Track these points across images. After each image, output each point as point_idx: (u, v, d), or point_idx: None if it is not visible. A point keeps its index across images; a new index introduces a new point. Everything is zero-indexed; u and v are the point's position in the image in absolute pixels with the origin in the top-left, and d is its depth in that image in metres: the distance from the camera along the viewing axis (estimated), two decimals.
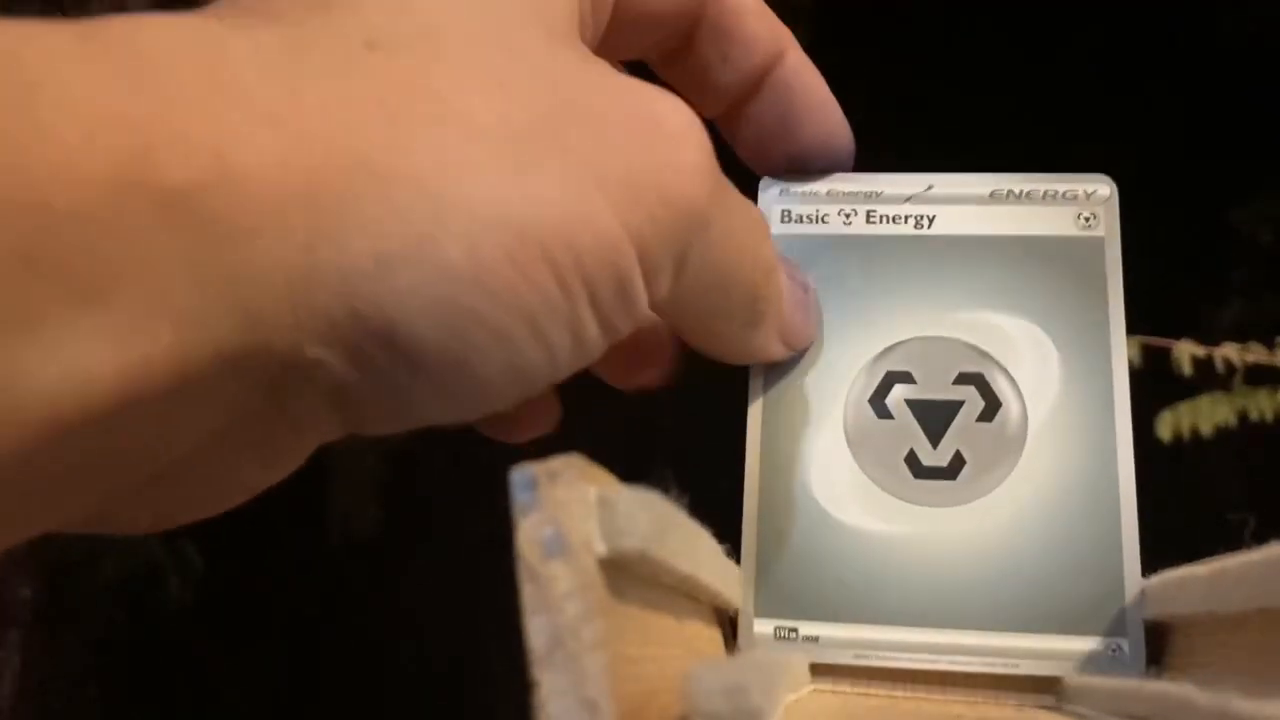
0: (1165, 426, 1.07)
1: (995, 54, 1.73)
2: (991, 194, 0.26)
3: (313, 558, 2.61)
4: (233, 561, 2.48)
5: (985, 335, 0.24)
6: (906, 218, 0.26)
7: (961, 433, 0.24)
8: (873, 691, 0.26)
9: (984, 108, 1.67)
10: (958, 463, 0.25)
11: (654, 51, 0.24)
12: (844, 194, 0.27)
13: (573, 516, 0.14)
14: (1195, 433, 1.07)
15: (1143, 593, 0.25)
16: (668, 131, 0.17)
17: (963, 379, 0.24)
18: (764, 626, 0.25)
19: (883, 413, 0.25)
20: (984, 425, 0.24)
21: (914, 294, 0.25)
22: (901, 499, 0.24)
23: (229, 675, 2.56)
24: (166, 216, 0.13)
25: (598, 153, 0.16)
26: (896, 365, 0.25)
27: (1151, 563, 0.26)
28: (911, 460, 0.25)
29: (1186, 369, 1.03)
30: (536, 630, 0.14)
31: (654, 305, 0.19)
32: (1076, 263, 0.24)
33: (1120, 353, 0.25)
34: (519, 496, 0.14)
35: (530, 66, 0.17)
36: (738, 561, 0.27)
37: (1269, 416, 1.07)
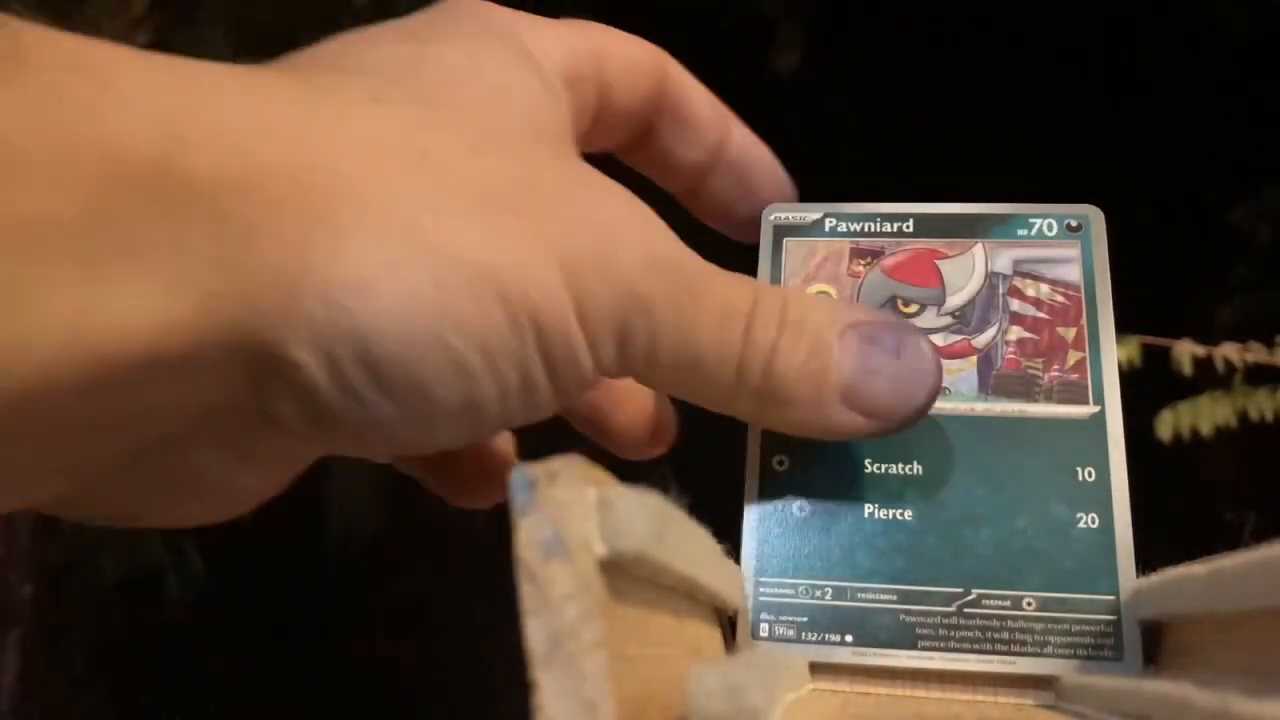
0: (1165, 426, 1.07)
1: (998, 52, 1.73)
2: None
3: (313, 558, 2.61)
4: (233, 561, 2.48)
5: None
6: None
7: None
8: (872, 690, 0.26)
9: (986, 107, 1.67)
10: None
11: (624, 143, 0.27)
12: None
13: (572, 517, 0.14)
14: (1195, 432, 1.07)
15: (1139, 592, 0.25)
16: (614, 223, 0.20)
17: None
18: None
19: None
20: None
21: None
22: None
23: (229, 675, 2.56)
24: (194, 200, 0.16)
25: (554, 227, 0.19)
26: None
27: (1151, 562, 0.26)
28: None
29: (1186, 369, 1.03)
30: (535, 631, 0.14)
31: (617, 375, 0.21)
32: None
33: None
34: (517, 497, 0.14)
35: (510, 149, 0.19)
36: (738, 561, 0.27)
37: (1269, 416, 1.07)
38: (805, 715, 0.22)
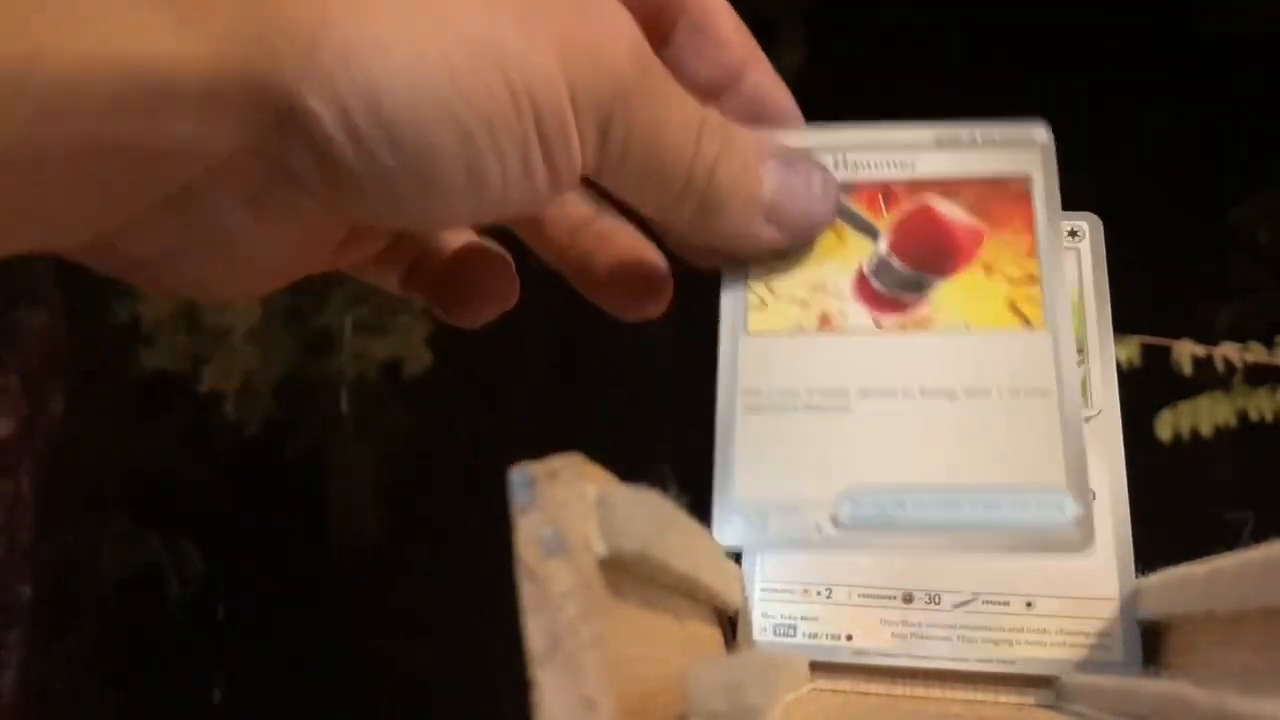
0: (1165, 426, 1.07)
1: (991, 53, 1.73)
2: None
3: (313, 558, 2.61)
4: (233, 561, 2.48)
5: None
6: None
7: None
8: (872, 690, 0.26)
9: (980, 106, 1.67)
10: None
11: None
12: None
13: (572, 516, 0.14)
14: (1195, 432, 1.07)
15: (1139, 592, 0.25)
16: (606, 17, 0.21)
17: None
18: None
19: None
20: None
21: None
22: None
23: (229, 675, 2.56)
24: None
25: (550, 14, 0.20)
26: None
27: (1151, 562, 0.26)
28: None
29: (1186, 369, 1.03)
30: (535, 630, 0.14)
31: (592, 172, 0.22)
32: None
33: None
34: (517, 496, 0.14)
35: None
36: (738, 561, 0.27)
37: (1269, 416, 1.07)
38: (805, 715, 0.22)
